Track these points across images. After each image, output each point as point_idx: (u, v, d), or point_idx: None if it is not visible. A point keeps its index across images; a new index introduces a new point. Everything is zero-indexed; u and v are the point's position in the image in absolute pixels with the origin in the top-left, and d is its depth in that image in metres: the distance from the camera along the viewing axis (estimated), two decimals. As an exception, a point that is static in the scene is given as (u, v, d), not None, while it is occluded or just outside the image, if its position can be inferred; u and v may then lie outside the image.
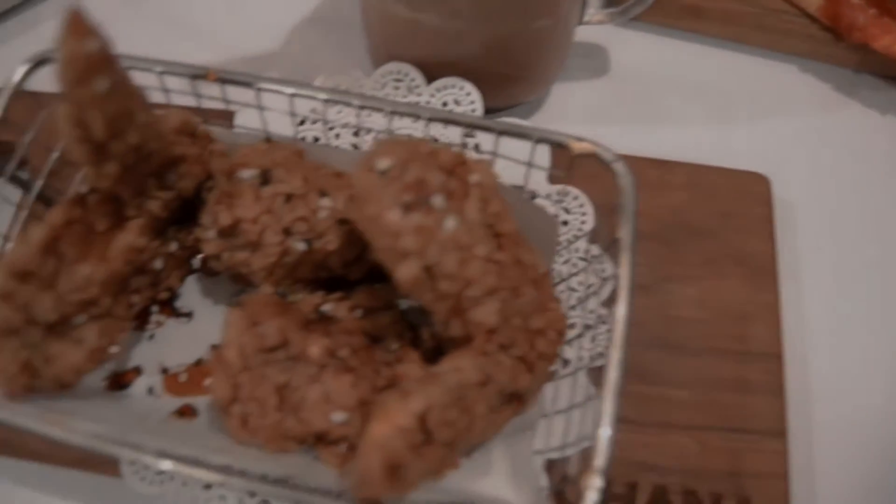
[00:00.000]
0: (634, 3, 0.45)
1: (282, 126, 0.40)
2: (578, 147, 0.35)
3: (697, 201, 0.45)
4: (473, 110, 0.43)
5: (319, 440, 0.34)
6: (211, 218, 0.35)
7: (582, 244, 0.41)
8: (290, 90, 0.36)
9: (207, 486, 0.37)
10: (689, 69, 0.51)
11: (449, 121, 0.36)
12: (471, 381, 0.31)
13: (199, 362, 0.39)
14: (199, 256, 0.41)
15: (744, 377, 0.41)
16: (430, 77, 0.44)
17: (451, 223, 0.30)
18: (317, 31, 0.52)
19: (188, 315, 0.40)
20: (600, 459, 0.30)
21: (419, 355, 0.33)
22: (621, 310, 0.33)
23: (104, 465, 0.39)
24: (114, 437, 0.31)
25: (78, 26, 0.28)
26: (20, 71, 0.37)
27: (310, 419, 0.33)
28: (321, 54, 0.51)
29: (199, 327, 0.40)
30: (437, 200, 0.30)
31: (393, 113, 0.36)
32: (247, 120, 0.41)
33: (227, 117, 0.43)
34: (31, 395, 0.33)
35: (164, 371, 0.39)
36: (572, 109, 0.49)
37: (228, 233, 0.35)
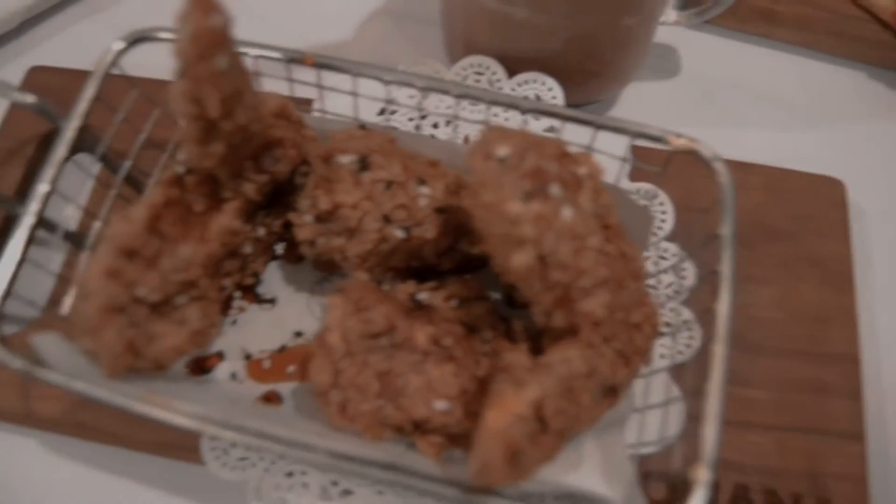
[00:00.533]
0: (712, 5, 0.45)
1: (362, 114, 0.40)
2: (677, 143, 0.35)
3: (774, 204, 0.45)
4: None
5: (417, 428, 0.33)
6: (309, 202, 0.35)
7: (662, 243, 0.41)
8: (388, 77, 0.36)
9: (289, 474, 0.37)
10: (760, 73, 0.51)
11: (550, 114, 0.36)
12: (579, 371, 0.30)
13: (282, 349, 0.39)
14: (282, 243, 0.41)
15: (821, 379, 0.41)
16: (510, 71, 0.44)
17: (567, 213, 0.30)
18: (389, 23, 0.52)
19: (271, 301, 0.40)
20: (709, 452, 0.30)
21: (526, 346, 0.33)
22: (724, 306, 0.33)
23: (183, 450, 0.38)
24: (218, 419, 0.31)
25: (205, 1, 0.28)
26: (113, 50, 0.37)
27: (411, 407, 0.33)
28: (394, 46, 0.51)
29: (281, 314, 0.40)
30: (555, 189, 0.30)
31: (492, 103, 0.36)
32: (326, 106, 0.41)
33: (304, 103, 0.42)
34: (129, 376, 0.33)
35: (247, 357, 0.39)
36: (643, 109, 0.49)
37: (326, 218, 0.35)
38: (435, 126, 0.43)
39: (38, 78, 0.48)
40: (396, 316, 0.33)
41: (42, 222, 0.35)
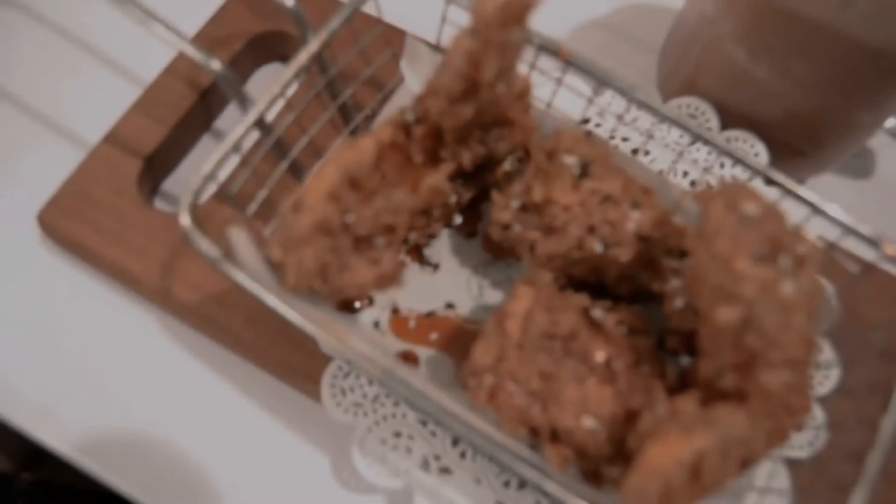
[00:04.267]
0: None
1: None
2: (891, 251, 0.35)
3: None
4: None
5: (553, 437, 0.33)
6: (522, 189, 0.35)
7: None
8: (633, 95, 0.36)
9: (397, 434, 0.37)
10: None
11: (785, 189, 0.35)
12: (740, 437, 0.31)
13: (430, 314, 0.39)
14: (461, 214, 0.41)
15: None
16: (722, 119, 0.43)
17: (788, 286, 0.30)
18: (605, 37, 0.52)
19: (435, 266, 0.40)
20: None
21: (698, 395, 0.33)
22: (892, 422, 0.33)
23: (302, 378, 0.39)
24: (386, 366, 0.31)
25: (528, -27, 0.28)
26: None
27: (560, 415, 0.32)
28: (604, 62, 0.50)
29: (440, 281, 0.40)
30: (784, 261, 0.30)
31: (736, 161, 0.36)
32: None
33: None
34: (304, 294, 0.33)
35: (395, 311, 0.39)
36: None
37: (532, 209, 0.35)
38: (634, 152, 0.43)
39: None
40: (581, 325, 0.33)
41: (261, 121, 0.35)
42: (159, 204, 0.45)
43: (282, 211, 0.32)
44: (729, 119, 0.43)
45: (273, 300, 0.31)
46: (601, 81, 0.36)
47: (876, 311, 0.40)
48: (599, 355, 0.32)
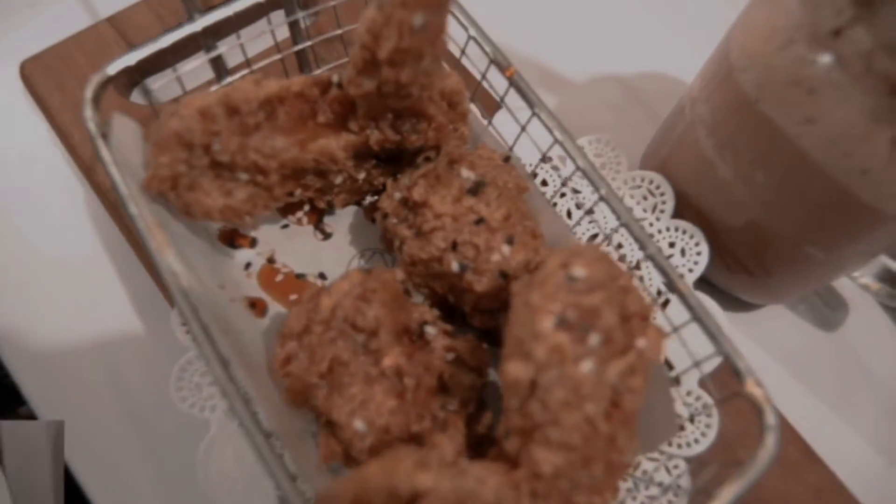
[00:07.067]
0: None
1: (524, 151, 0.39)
2: (752, 390, 0.32)
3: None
4: (691, 270, 0.40)
5: (328, 426, 0.32)
6: (408, 183, 0.35)
7: (679, 460, 0.38)
8: (561, 138, 0.34)
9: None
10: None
11: (671, 285, 0.33)
12: (484, 499, 0.28)
13: (301, 276, 0.39)
14: (373, 198, 0.40)
15: None
16: (679, 206, 0.41)
17: (586, 366, 0.28)
18: (619, 95, 0.50)
19: (326, 235, 0.40)
20: None
21: (464, 438, 0.31)
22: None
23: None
24: (187, 287, 0.31)
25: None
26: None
27: (336, 406, 0.32)
28: (606, 114, 0.49)
29: (324, 251, 0.39)
30: (594, 339, 0.28)
31: (628, 230, 0.33)
32: (496, 119, 0.40)
33: (490, 105, 0.42)
34: (161, 198, 0.33)
35: (271, 260, 0.39)
36: (770, 335, 0.44)
37: (409, 206, 0.34)
38: (578, 207, 0.41)
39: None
40: (387, 328, 0.32)
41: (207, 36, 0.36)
42: (136, 97, 0.47)
43: (164, 113, 0.33)
44: (686, 210, 0.41)
45: (122, 183, 0.31)
46: (532, 108, 0.35)
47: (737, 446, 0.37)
48: (387, 361, 0.31)
